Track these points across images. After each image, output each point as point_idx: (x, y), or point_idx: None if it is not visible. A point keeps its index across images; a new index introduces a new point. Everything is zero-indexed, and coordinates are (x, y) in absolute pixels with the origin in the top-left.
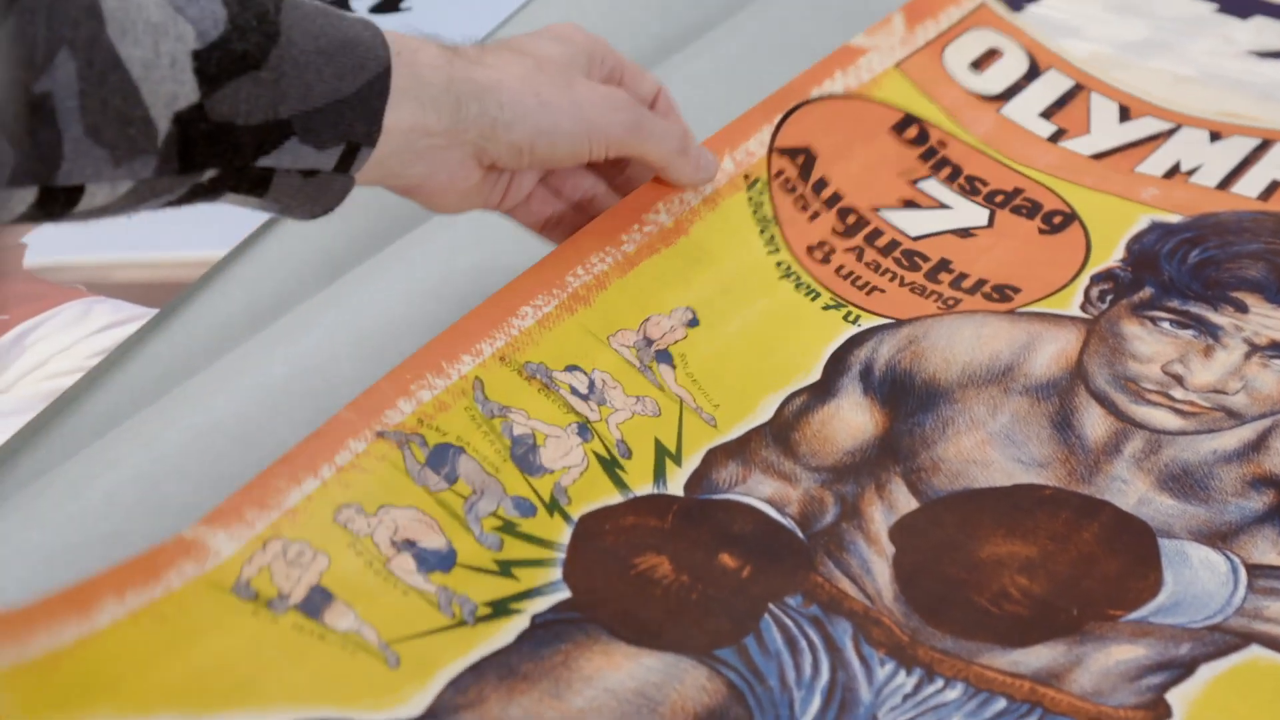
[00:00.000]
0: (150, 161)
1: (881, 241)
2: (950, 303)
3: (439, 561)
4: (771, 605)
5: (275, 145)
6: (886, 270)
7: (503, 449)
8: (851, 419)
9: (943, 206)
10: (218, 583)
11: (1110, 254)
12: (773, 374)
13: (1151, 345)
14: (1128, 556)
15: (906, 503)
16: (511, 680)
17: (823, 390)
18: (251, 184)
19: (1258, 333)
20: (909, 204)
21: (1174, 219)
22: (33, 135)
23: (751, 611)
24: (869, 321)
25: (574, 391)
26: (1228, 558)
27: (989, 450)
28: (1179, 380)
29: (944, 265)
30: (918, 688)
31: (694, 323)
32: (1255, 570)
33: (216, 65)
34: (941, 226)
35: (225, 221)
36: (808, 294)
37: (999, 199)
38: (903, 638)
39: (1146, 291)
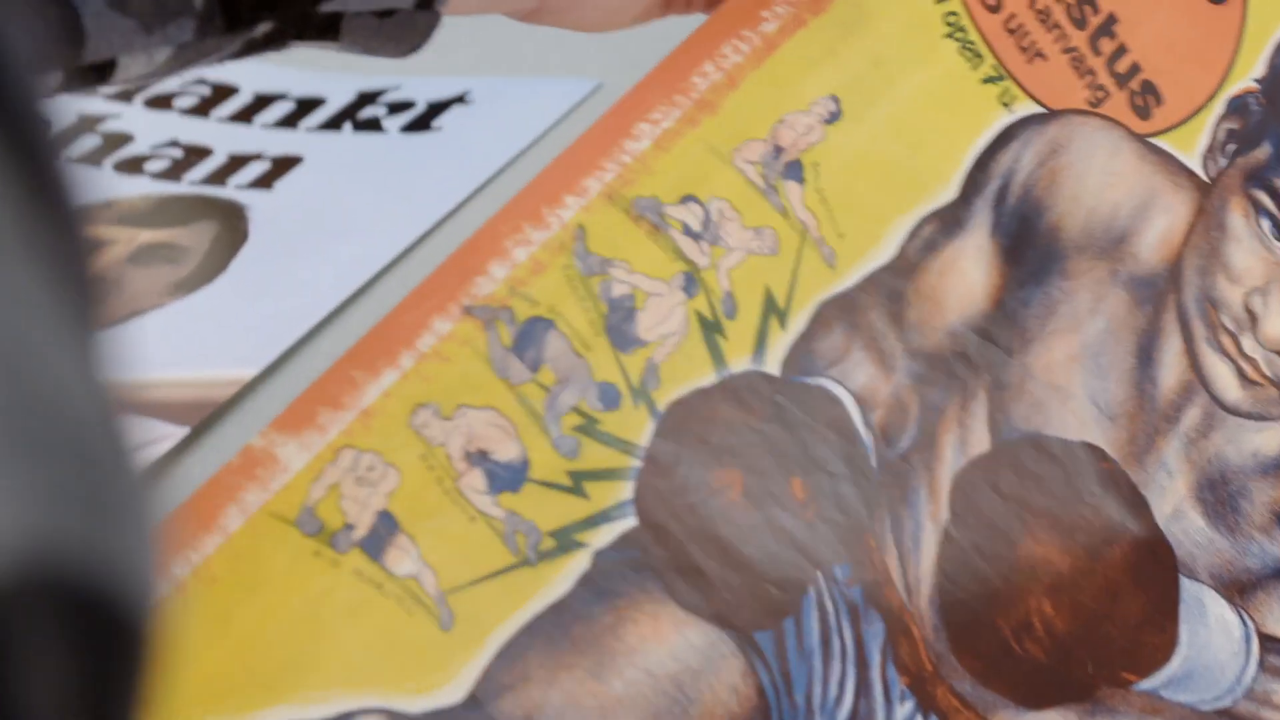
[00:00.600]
0: (188, 24)
1: None
2: (1099, 94)
3: (510, 478)
4: (819, 574)
5: None
6: (1055, 25)
7: (597, 317)
8: (969, 272)
9: None
10: (282, 514)
11: (1254, 61)
12: (911, 183)
13: (1246, 256)
14: (1150, 595)
15: (980, 437)
16: (559, 653)
17: (954, 217)
18: (319, 30)
19: None
20: None
21: None
22: (44, 18)
23: (799, 579)
24: (1022, 107)
25: (686, 231)
26: (1242, 620)
27: (1073, 374)
28: (1253, 321)
29: (1110, 25)
30: None
31: (835, 116)
32: (1267, 642)
33: None
34: None
35: (256, 340)
36: (970, 59)
37: None
38: (927, 665)
39: (1264, 150)
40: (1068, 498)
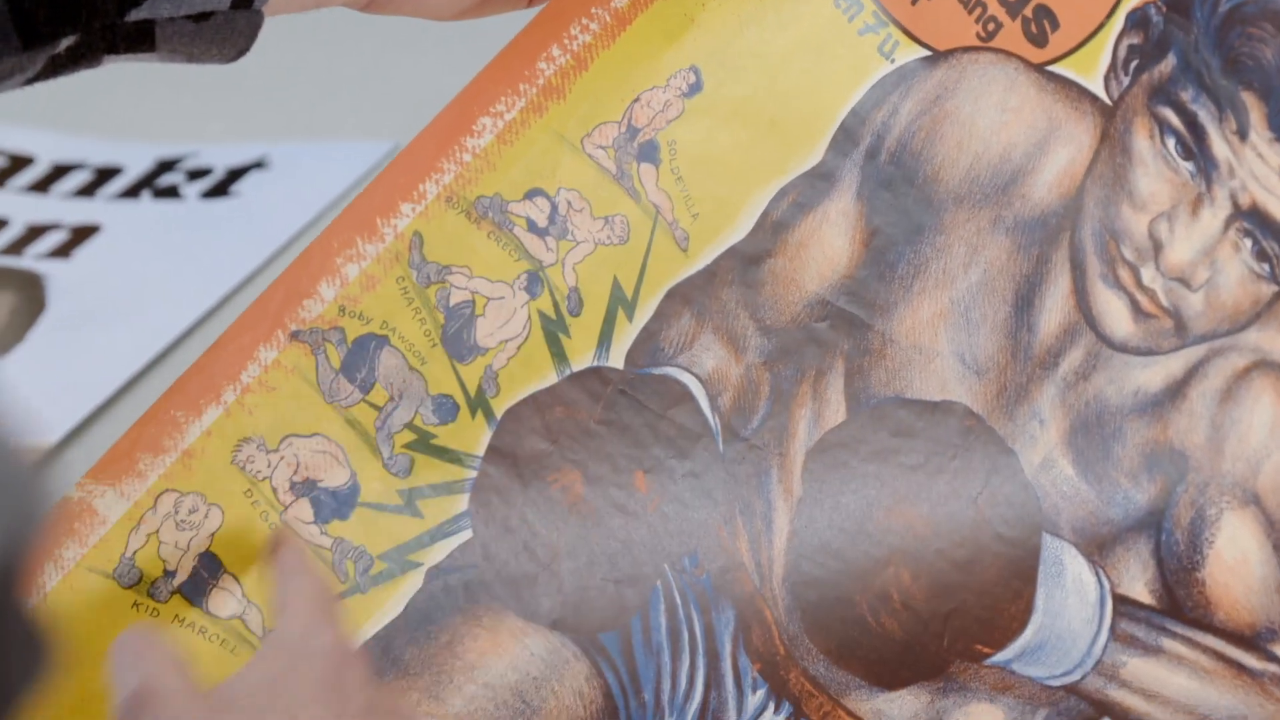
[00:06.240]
0: None
1: None
2: (991, 27)
3: (338, 505)
4: (667, 567)
5: None
6: None
7: (434, 328)
8: (831, 240)
9: None
10: (99, 568)
11: None
12: (774, 153)
13: (1151, 180)
14: (1010, 554)
15: (835, 409)
16: (392, 677)
17: (817, 183)
18: (130, 42)
19: (1244, 185)
20: None
21: None
22: None
23: (645, 574)
24: (904, 55)
25: (531, 227)
26: (1099, 580)
27: (939, 332)
28: (1157, 249)
29: None
30: None
31: (696, 88)
32: (1120, 605)
33: None
34: None
35: (56, 408)
36: (846, 8)
37: None
38: (780, 649)
39: (1168, 63)
40: (927, 461)
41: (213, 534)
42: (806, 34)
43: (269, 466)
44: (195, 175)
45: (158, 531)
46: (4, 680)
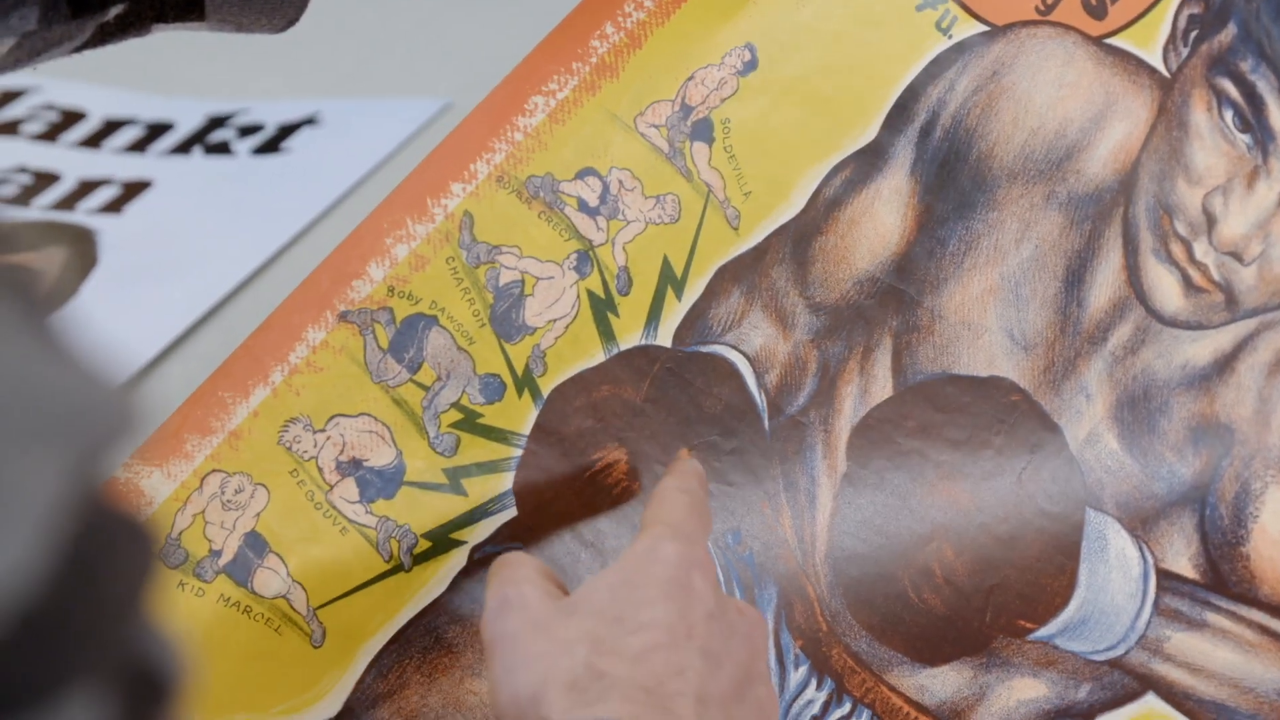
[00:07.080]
0: (30, 13)
1: None
2: (1049, 0)
3: (384, 484)
4: (711, 544)
5: None
6: None
7: (483, 308)
8: (883, 217)
9: None
10: None
11: None
12: (828, 130)
13: (1208, 154)
14: (1052, 531)
15: (882, 385)
16: (435, 654)
17: (871, 160)
18: (180, 11)
19: None
20: None
21: None
22: None
23: None
24: (962, 30)
25: (582, 206)
26: (1142, 555)
27: (988, 308)
28: (1210, 224)
29: None
30: (826, 709)
31: (751, 66)
32: (1164, 580)
33: None
34: None
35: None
36: None
37: None
38: (822, 625)
39: (1228, 32)
40: (971, 437)
41: (259, 514)
42: (863, 10)
43: (315, 446)
44: (246, 131)
45: (204, 512)
46: (125, 573)
